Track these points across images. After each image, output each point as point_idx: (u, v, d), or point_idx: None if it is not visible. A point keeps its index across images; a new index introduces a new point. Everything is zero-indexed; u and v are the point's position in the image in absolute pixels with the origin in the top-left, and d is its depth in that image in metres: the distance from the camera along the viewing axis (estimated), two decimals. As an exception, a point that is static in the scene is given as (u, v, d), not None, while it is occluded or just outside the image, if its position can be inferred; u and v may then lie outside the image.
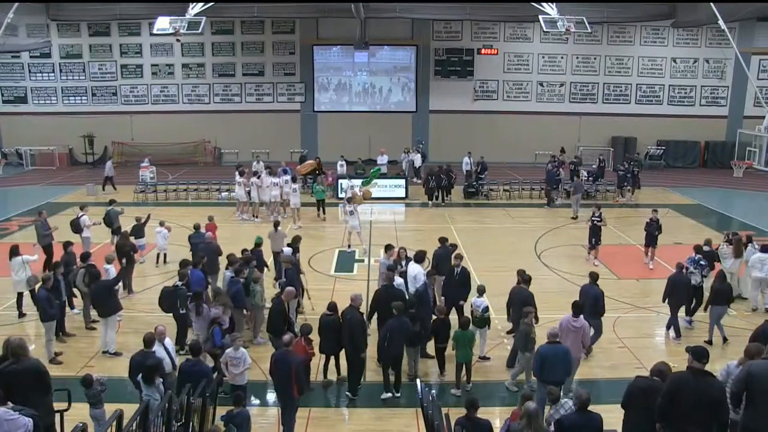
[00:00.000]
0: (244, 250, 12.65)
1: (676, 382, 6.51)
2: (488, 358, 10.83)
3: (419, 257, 11.75)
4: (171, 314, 10.81)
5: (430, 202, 23.26)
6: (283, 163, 24.12)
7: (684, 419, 6.37)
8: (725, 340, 11.39)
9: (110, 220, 16.59)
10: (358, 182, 21.61)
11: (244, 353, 8.84)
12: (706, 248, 13.16)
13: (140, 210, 20.07)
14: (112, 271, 11.77)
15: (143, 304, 13.25)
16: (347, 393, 9.65)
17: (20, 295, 12.52)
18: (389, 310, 9.67)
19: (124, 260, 13.58)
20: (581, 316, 9.31)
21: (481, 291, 10.83)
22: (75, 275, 11.76)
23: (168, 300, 10.76)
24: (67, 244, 12.64)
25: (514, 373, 9.98)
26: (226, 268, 11.71)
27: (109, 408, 7.87)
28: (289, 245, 13.06)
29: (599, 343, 11.52)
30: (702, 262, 12.57)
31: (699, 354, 6.49)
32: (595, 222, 16.26)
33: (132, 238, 14.80)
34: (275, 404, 9.35)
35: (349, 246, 17.50)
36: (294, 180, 20.72)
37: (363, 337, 9.56)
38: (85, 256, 12.02)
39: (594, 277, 10.96)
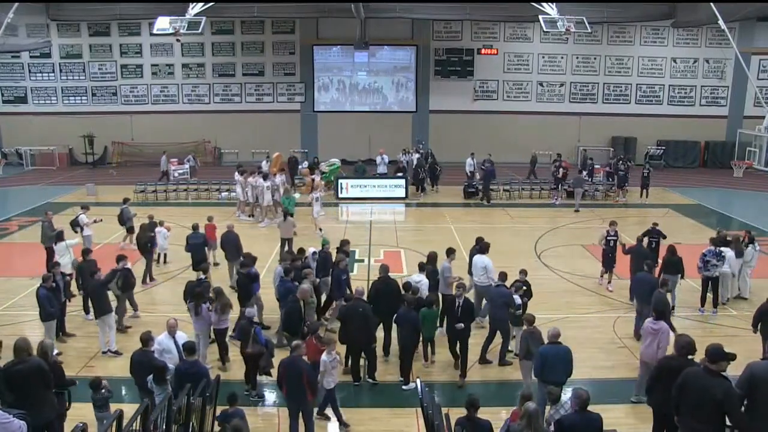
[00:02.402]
0: (300, 250, 12.58)
1: (685, 376, 6.63)
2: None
3: (484, 248, 12.17)
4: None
5: (421, 194, 24.48)
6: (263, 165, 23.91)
7: (690, 415, 6.47)
8: (673, 308, 12.40)
9: (122, 219, 16.64)
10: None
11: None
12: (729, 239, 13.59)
13: (141, 210, 20.07)
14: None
15: (144, 304, 13.22)
16: (368, 379, 10.03)
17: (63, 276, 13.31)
18: (386, 302, 10.13)
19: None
20: (662, 320, 9.24)
21: (518, 288, 10.85)
22: (117, 279, 11.73)
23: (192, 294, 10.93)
24: (86, 252, 12.47)
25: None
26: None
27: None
28: (338, 249, 12.69)
29: (599, 341, 11.57)
30: (723, 254, 12.81)
31: (713, 355, 6.46)
32: (611, 241, 14.11)
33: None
34: (275, 405, 9.39)
35: (320, 229, 18.35)
36: (265, 178, 20.36)
37: (375, 328, 9.98)
38: (119, 258, 12.05)
39: (649, 266, 11.58)
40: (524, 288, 11.00)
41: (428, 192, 24.98)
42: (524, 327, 9.32)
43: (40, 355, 7.34)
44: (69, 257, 13.22)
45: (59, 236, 13.74)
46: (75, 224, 15.53)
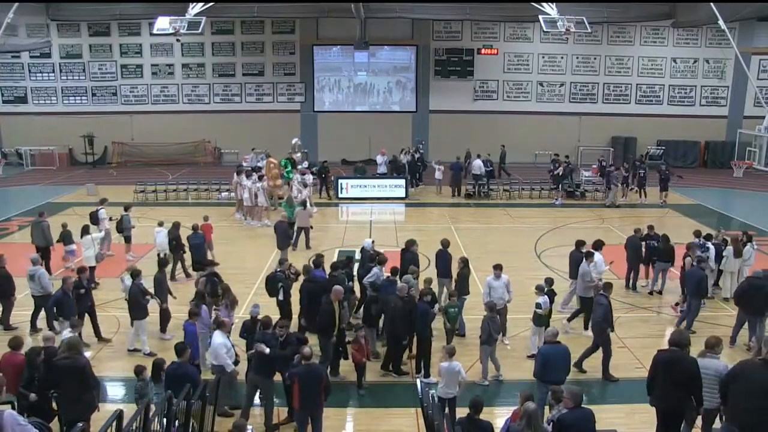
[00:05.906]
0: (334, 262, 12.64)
1: (742, 365, 6.90)
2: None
3: (598, 245, 12.53)
4: (273, 298, 11.23)
5: (412, 188, 25.07)
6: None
7: (740, 407, 6.56)
8: (660, 293, 13.88)
9: (121, 227, 16.41)
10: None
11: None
12: (714, 242, 13.79)
13: (140, 210, 20.10)
14: (128, 281, 11.35)
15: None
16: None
17: (92, 269, 13.72)
18: (315, 302, 10.22)
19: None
20: None
21: (541, 289, 10.78)
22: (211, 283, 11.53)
23: (270, 284, 11.31)
24: (163, 263, 12.18)
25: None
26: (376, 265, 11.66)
27: (110, 408, 7.99)
28: (403, 251, 12.58)
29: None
30: (707, 245, 13.19)
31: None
32: (699, 266, 12.08)
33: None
34: (276, 404, 9.38)
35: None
36: (261, 179, 20.32)
37: (404, 325, 10.10)
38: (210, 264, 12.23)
39: (699, 260, 12.00)
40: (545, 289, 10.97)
41: (413, 187, 25.43)
42: (486, 313, 9.92)
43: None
44: (93, 250, 13.86)
45: (85, 230, 14.22)
46: (95, 218, 15.56)
